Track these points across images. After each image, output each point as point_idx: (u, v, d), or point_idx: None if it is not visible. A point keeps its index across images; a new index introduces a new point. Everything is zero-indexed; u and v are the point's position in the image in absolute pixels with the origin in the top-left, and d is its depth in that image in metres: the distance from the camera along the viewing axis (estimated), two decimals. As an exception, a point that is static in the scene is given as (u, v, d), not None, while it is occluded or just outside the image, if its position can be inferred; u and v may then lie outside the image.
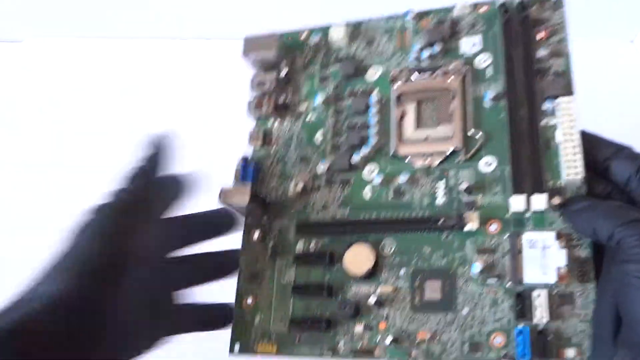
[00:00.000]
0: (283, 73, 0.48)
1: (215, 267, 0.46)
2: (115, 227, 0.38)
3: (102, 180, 0.75)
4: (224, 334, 0.43)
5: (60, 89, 0.85)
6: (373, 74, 0.47)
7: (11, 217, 0.76)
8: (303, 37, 0.49)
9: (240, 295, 0.44)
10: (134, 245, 0.38)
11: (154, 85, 0.82)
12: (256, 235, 0.45)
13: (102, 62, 0.86)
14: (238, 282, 0.44)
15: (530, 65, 0.42)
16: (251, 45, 0.48)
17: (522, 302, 0.37)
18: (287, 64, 0.48)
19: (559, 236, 0.38)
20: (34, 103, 0.85)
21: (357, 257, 0.41)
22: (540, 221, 0.39)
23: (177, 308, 0.44)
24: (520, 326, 0.37)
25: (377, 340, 0.40)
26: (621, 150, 0.39)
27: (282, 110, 0.48)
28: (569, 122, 0.39)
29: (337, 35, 0.48)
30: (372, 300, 0.40)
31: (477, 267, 0.38)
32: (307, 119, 0.47)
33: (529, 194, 0.39)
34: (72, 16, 0.86)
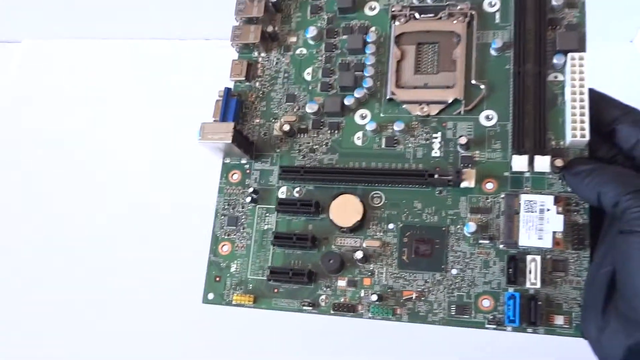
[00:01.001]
0: (272, -1, 0.43)
1: None
2: None
3: (101, 179, 0.74)
4: (198, 283, 0.40)
5: (59, 90, 0.84)
6: (372, 9, 0.43)
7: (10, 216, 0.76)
8: (296, -40, 0.45)
9: (215, 241, 0.41)
10: None
11: (153, 86, 0.80)
12: (235, 177, 0.42)
13: (101, 63, 0.85)
14: (214, 227, 0.41)
15: (542, 14, 0.39)
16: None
17: (515, 265, 0.36)
18: (277, -11, 0.44)
19: (557, 200, 0.36)
20: (33, 103, 0.84)
21: (345, 208, 0.39)
22: (539, 183, 0.37)
23: None
24: (511, 290, 0.36)
25: (361, 296, 0.38)
26: (629, 113, 0.37)
27: (269, 40, 0.44)
28: (579, 80, 0.37)
29: (334, -38, 0.43)
30: (358, 255, 0.38)
31: (471, 226, 0.37)
32: (297, 53, 0.43)
33: (532, 154, 0.36)
34: (70, 17, 0.84)
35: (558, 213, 0.36)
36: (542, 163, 0.36)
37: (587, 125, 0.36)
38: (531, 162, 0.36)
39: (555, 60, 0.38)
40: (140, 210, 0.70)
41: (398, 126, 0.40)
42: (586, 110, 0.36)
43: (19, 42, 0.89)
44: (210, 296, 0.40)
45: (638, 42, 0.76)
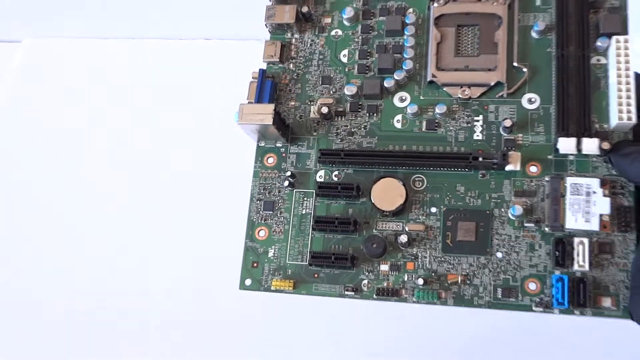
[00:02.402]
0: (306, -20, 0.42)
1: None
2: None
3: (100, 179, 0.72)
4: (235, 269, 0.39)
5: (59, 89, 0.82)
6: (409, -11, 0.42)
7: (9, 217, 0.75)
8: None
9: (251, 226, 0.40)
10: None
11: (153, 86, 0.79)
12: (271, 160, 0.41)
13: (102, 62, 0.83)
14: (249, 212, 0.40)
15: (584, -3, 0.39)
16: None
17: (562, 248, 0.36)
18: (310, -30, 0.43)
19: (603, 183, 0.36)
20: (33, 103, 0.82)
21: (387, 192, 0.39)
22: (584, 165, 0.37)
23: None
24: (558, 273, 0.36)
25: (405, 280, 0.38)
26: None
27: (302, 21, 0.43)
28: (624, 62, 0.37)
29: (369, -58, 0.43)
30: (403, 239, 0.37)
31: (517, 209, 0.36)
32: (332, 34, 0.43)
33: (579, 137, 0.36)
34: (71, 17, 0.83)
35: (604, 196, 0.36)
36: (590, 145, 0.36)
37: (633, 108, 0.36)
38: (578, 144, 0.36)
39: (599, 43, 0.38)
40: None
41: (440, 109, 0.39)
42: (632, 93, 0.36)
43: (20, 41, 0.88)
44: (248, 282, 0.39)
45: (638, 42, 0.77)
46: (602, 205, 0.36)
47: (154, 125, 0.75)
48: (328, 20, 0.43)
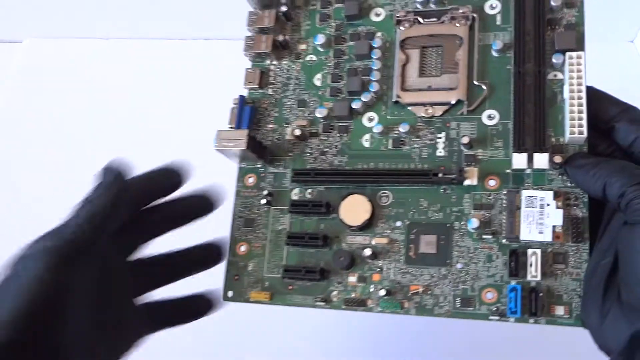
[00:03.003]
0: (283, 9, 0.45)
1: (191, 263, 0.43)
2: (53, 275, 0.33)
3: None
4: (218, 282, 0.43)
5: (60, 90, 0.84)
6: (377, 15, 0.45)
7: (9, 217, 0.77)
8: (304, -29, 0.47)
9: (233, 242, 0.44)
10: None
11: (153, 86, 0.81)
12: (251, 180, 0.44)
13: (102, 62, 0.85)
14: (231, 229, 0.44)
15: (541, 14, 0.40)
16: (249, -22, 0.45)
17: (516, 259, 0.37)
18: (286, 0, 0.46)
19: (556, 195, 0.37)
20: (33, 103, 0.84)
21: (354, 208, 0.41)
22: (540, 179, 0.38)
23: (144, 308, 0.41)
24: (513, 283, 0.37)
25: (370, 291, 0.40)
26: (627, 111, 0.38)
27: (280, 49, 0.46)
28: (577, 78, 0.38)
29: (340, -29, 0.45)
30: (367, 252, 0.40)
31: (474, 222, 0.38)
32: (307, 60, 0.46)
33: (531, 152, 0.38)
34: (71, 17, 0.84)
35: (557, 207, 0.37)
36: (541, 160, 0.37)
37: (585, 122, 0.37)
38: (531, 160, 0.38)
39: (554, 60, 0.39)
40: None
41: (403, 128, 0.41)
42: (584, 108, 0.37)
43: (20, 42, 0.89)
44: (230, 294, 0.43)
45: (638, 42, 0.76)
46: (555, 216, 0.37)
47: (154, 125, 0.76)
48: (304, 46, 0.46)
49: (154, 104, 0.79)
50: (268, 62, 0.46)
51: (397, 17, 0.43)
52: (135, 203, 0.40)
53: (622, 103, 0.38)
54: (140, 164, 0.41)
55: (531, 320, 0.37)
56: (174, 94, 0.79)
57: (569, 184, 0.38)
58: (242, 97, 0.44)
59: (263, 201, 0.43)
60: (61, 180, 0.76)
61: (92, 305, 0.36)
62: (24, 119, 0.83)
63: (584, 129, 0.37)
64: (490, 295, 0.38)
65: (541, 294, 0.37)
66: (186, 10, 0.78)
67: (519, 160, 0.38)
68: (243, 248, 0.43)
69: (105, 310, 0.37)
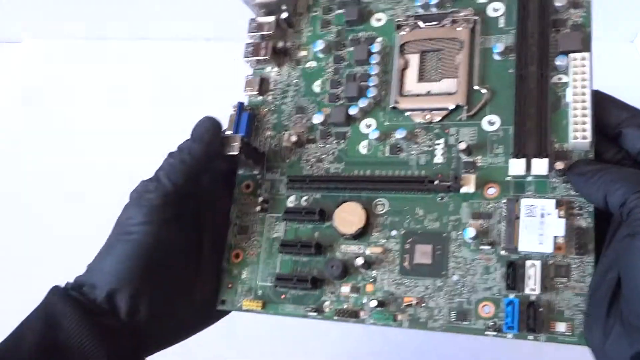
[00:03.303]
0: (283, 16, 0.45)
1: None
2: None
3: (99, 180, 0.73)
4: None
5: (60, 90, 0.85)
6: (378, 20, 0.44)
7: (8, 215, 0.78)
8: (307, -22, 0.46)
9: (229, 249, 0.43)
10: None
11: (153, 86, 0.81)
12: (247, 187, 0.43)
13: (102, 62, 0.86)
14: (228, 236, 0.43)
15: (545, 16, 0.39)
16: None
17: (514, 271, 0.35)
18: (288, 7, 0.45)
19: (559, 204, 0.35)
20: (33, 103, 0.85)
21: (348, 216, 0.40)
22: (542, 187, 0.36)
23: None
24: (512, 296, 0.35)
25: (363, 302, 0.39)
26: (636, 116, 0.35)
27: (280, 56, 0.45)
28: (581, 80, 0.36)
29: (342, -23, 0.45)
30: (359, 261, 0.38)
31: (470, 232, 0.36)
32: (307, 66, 0.45)
33: (530, 158, 0.36)
34: (71, 17, 0.85)
35: (560, 217, 0.35)
36: (541, 166, 0.35)
37: (589, 127, 0.35)
38: (529, 166, 0.36)
39: (558, 62, 0.37)
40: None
41: (400, 133, 0.40)
42: (588, 111, 0.35)
43: (20, 42, 0.89)
44: (224, 302, 0.42)
45: (638, 42, 0.75)
46: (557, 226, 0.35)
47: (154, 125, 0.76)
48: (304, 53, 0.45)
49: (153, 104, 0.79)
50: (269, 68, 0.46)
51: (397, 21, 0.42)
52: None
53: (631, 108, 0.36)
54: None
55: (530, 337, 0.34)
56: (174, 94, 0.79)
57: (573, 193, 0.36)
58: (240, 104, 0.44)
59: (258, 208, 0.42)
60: (61, 179, 0.77)
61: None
62: (23, 118, 0.84)
63: (588, 134, 0.35)
64: (487, 309, 0.36)
65: (541, 309, 0.34)
66: (186, 11, 0.78)
67: (516, 166, 0.36)
68: (238, 255, 0.42)
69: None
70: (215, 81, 0.70)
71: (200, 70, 0.79)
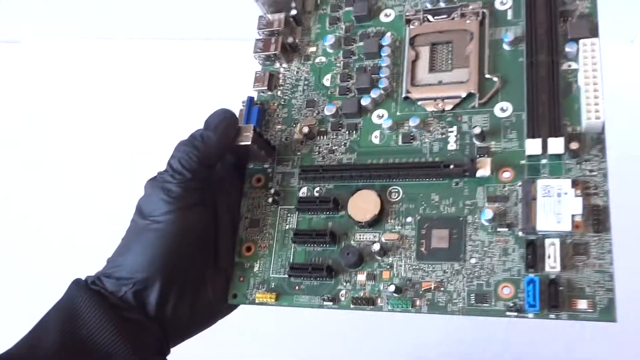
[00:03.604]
0: (293, 12, 0.45)
1: None
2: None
3: (100, 180, 0.74)
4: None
5: (59, 90, 0.85)
6: (387, 16, 0.44)
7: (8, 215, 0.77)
8: (315, -24, 0.47)
9: (240, 242, 0.42)
10: None
11: (153, 86, 0.81)
12: (258, 181, 0.43)
13: (101, 62, 0.86)
14: (239, 230, 0.43)
15: (553, 8, 0.40)
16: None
17: (534, 251, 0.35)
18: (297, 3, 0.46)
19: (574, 183, 0.36)
20: (33, 103, 0.85)
21: (363, 204, 0.40)
22: (557, 168, 0.37)
23: None
24: (531, 276, 0.35)
25: (380, 289, 0.38)
26: None
27: (290, 51, 0.46)
28: (592, 64, 0.37)
29: (351, -25, 0.46)
30: (375, 247, 0.38)
31: (488, 213, 0.36)
32: (316, 62, 0.45)
33: (546, 137, 0.36)
34: (71, 17, 0.86)
35: (576, 196, 0.35)
36: (557, 145, 0.36)
37: (601, 107, 0.36)
38: (545, 145, 0.36)
39: (567, 49, 0.38)
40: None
41: (413, 122, 0.40)
42: (600, 93, 0.36)
43: (19, 42, 0.89)
44: (236, 295, 0.41)
45: (638, 42, 0.76)
46: (574, 205, 0.35)
47: (154, 125, 0.76)
48: (313, 49, 0.46)
49: (153, 104, 0.79)
50: (278, 64, 0.46)
51: (407, 16, 0.43)
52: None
53: None
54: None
55: (552, 316, 0.34)
56: (174, 93, 0.78)
57: (588, 173, 0.36)
58: (250, 98, 0.44)
59: (270, 200, 0.42)
60: (60, 179, 0.76)
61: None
62: (23, 118, 0.83)
63: (601, 114, 0.36)
64: (507, 291, 0.35)
65: (561, 288, 0.34)
66: (186, 10, 0.79)
67: (533, 146, 0.36)
68: (249, 249, 0.42)
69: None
70: (216, 81, 0.70)
71: (200, 70, 0.79)
